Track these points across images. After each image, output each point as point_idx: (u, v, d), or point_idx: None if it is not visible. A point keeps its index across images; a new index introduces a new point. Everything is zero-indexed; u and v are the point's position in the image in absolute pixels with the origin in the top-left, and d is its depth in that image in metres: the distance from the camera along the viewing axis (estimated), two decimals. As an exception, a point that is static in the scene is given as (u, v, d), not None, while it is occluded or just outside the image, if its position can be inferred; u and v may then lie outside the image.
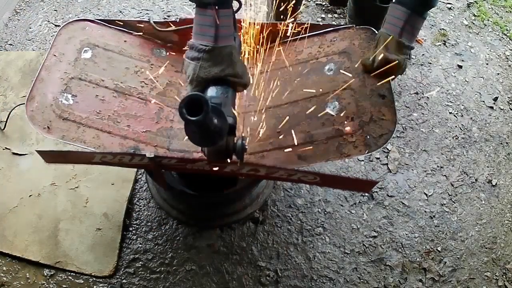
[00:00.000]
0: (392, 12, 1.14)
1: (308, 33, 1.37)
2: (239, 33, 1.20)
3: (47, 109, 1.17)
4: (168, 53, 1.44)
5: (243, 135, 1.01)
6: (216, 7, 0.95)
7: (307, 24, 1.35)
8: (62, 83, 1.23)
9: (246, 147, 0.98)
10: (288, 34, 1.37)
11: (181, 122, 1.30)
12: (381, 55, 1.14)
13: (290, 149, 1.17)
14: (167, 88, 1.37)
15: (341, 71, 1.25)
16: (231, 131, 0.96)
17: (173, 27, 1.39)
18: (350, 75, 1.22)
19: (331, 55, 1.31)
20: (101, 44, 1.35)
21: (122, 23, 1.40)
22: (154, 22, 1.39)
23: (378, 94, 1.17)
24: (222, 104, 0.97)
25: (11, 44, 2.10)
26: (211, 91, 1.00)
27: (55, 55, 1.27)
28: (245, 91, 1.14)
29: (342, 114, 1.18)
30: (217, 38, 0.97)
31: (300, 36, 1.38)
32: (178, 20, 1.39)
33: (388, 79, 1.17)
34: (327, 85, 1.25)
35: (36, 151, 1.07)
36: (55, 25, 2.17)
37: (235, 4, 1.13)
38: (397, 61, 1.13)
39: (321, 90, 1.25)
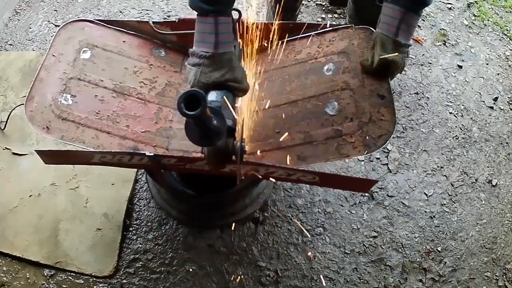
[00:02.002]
0: (386, 12, 1.13)
1: (307, 33, 1.37)
2: (239, 34, 1.21)
3: (47, 109, 1.17)
4: (167, 53, 1.44)
5: (243, 137, 1.02)
6: (216, 15, 0.97)
7: (306, 23, 1.35)
8: (61, 83, 1.23)
9: (245, 149, 0.99)
10: (287, 34, 1.37)
11: (180, 123, 1.30)
12: (379, 56, 1.13)
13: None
14: (166, 89, 1.37)
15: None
16: (231, 133, 0.98)
17: (174, 32, 1.39)
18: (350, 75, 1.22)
19: (330, 55, 1.31)
20: (100, 44, 1.35)
21: (121, 24, 1.40)
22: (153, 22, 1.39)
23: (377, 94, 1.17)
24: (222, 108, 0.98)
25: (11, 44, 2.10)
26: (212, 96, 1.02)
27: (54, 56, 1.27)
28: None
29: (341, 115, 1.18)
30: (217, 44, 0.99)
31: (299, 36, 1.38)
32: (177, 20, 1.39)
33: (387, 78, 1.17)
34: (326, 85, 1.25)
35: (35, 150, 1.07)
36: (55, 25, 2.17)
37: (235, 14, 1.14)
38: (395, 61, 1.13)
39: (320, 90, 1.25)
